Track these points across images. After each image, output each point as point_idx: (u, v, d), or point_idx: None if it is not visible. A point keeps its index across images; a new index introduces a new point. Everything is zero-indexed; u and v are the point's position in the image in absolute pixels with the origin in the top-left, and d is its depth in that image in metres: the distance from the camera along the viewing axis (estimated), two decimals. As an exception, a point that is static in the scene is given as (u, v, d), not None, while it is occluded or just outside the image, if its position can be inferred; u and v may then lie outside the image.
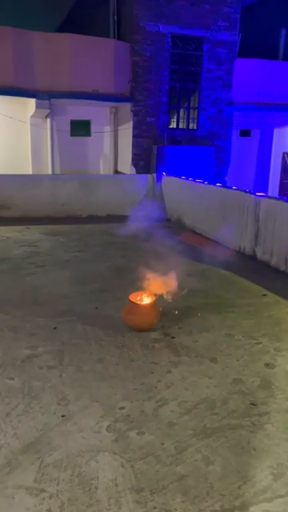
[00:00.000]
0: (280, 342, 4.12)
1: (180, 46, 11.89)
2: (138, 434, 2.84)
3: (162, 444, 2.75)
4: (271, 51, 13.99)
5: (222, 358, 3.82)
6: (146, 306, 4.33)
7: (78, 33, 11.50)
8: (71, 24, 15.19)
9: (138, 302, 4.33)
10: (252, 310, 4.90)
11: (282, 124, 13.95)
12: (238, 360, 3.79)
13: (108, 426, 2.91)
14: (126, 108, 12.00)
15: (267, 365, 3.71)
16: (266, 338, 4.19)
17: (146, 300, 4.36)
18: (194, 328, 4.42)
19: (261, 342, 4.11)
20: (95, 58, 11.08)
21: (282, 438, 2.83)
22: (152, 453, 2.67)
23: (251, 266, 6.82)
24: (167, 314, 4.62)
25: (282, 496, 2.35)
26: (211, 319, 4.65)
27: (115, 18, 12.12)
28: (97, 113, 12.38)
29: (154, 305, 4.34)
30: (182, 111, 12.56)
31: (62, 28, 15.75)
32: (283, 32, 13.44)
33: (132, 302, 4.32)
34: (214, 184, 9.11)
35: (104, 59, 11.24)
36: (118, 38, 12.02)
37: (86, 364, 3.69)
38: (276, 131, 14.14)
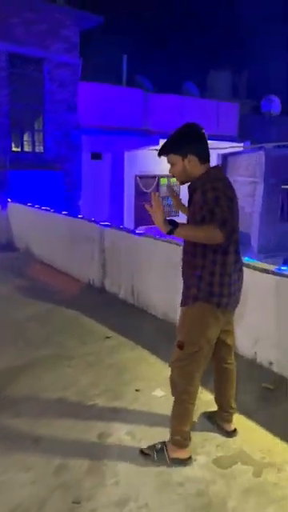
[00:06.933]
0: (118, 399, 3.63)
1: (18, 65, 11.20)
2: None
3: None
4: (116, 76, 14.18)
5: (47, 435, 3.17)
6: None
7: None
8: None
9: None
10: (93, 360, 4.36)
11: (131, 147, 14.13)
12: (66, 435, 3.18)
13: None
14: None
15: (100, 436, 3.16)
16: (103, 397, 3.66)
17: None
18: (20, 396, 3.69)
19: (96, 404, 3.56)
20: None
21: None
22: None
23: (100, 300, 6.36)
24: (-11, 382, 3.83)
25: None
26: (45, 379, 3.98)
27: None
28: None
29: None
30: (26, 134, 11.82)
31: None
32: (125, 58, 13.70)
33: None
34: (61, 211, 8.56)
35: None
36: None
37: None
38: (127, 154, 14.27)
